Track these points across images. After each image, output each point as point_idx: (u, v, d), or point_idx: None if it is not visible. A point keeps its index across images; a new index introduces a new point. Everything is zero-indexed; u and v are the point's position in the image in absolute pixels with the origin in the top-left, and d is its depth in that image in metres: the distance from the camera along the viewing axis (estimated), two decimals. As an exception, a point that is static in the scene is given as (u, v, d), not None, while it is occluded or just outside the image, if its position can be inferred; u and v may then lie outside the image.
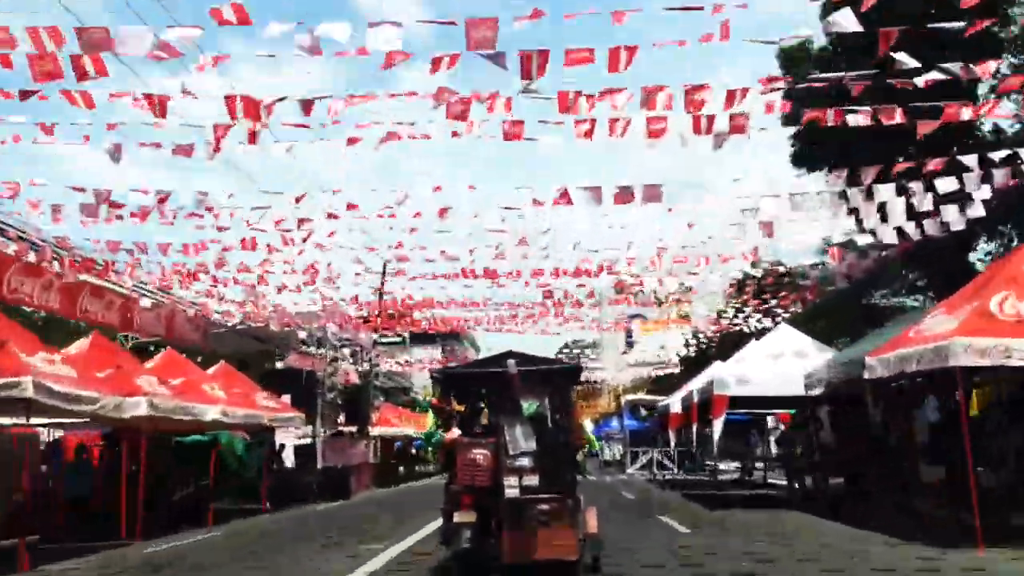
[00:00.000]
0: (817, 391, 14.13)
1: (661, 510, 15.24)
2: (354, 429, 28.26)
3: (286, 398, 21.71)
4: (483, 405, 8.88)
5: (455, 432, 8.48)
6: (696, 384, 20.43)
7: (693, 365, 38.87)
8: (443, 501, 8.21)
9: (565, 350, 74.95)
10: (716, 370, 18.87)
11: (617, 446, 43.17)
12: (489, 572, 7.87)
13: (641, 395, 44.36)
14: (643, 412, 35.45)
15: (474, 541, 7.78)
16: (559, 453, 8.09)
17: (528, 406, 9.15)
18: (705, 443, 27.47)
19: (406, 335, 39.32)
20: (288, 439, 24.03)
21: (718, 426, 16.39)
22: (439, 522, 8.43)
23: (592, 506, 8.31)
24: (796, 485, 17.79)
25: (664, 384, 45.61)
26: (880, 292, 25.34)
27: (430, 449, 32.76)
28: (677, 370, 44.31)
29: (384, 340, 34.45)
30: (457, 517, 7.80)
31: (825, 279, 20.90)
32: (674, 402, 22.28)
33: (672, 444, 21.99)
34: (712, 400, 16.34)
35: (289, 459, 24.67)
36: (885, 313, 23.02)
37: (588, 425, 54.98)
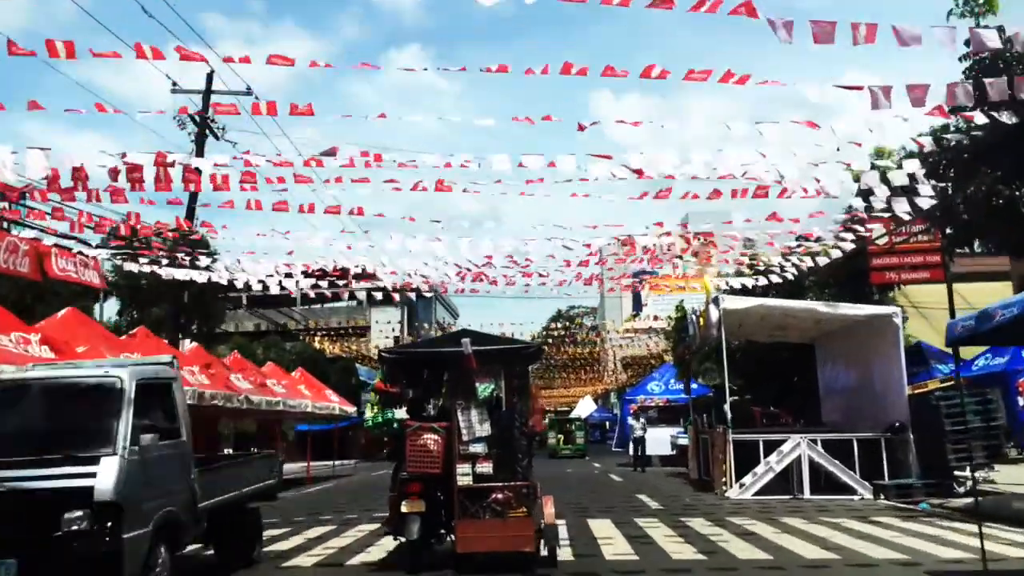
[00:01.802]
0: None
1: None
2: None
3: None
4: (436, 387, 8.39)
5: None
6: None
7: None
8: (391, 489, 7.76)
9: (558, 321, 66.38)
10: None
11: (667, 431, 24.26)
12: (440, 565, 7.45)
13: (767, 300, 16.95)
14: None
15: (423, 532, 7.38)
16: (516, 439, 7.68)
17: (483, 389, 8.68)
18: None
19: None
20: None
21: None
22: None
23: (548, 495, 7.89)
24: None
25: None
26: None
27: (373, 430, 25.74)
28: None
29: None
30: (405, 507, 7.42)
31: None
32: None
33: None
34: None
35: None
36: None
37: (590, 405, 51.72)
